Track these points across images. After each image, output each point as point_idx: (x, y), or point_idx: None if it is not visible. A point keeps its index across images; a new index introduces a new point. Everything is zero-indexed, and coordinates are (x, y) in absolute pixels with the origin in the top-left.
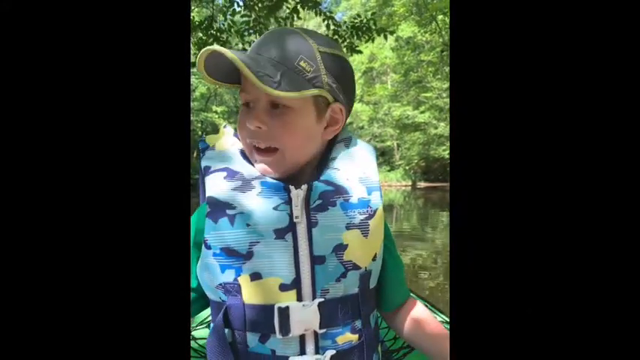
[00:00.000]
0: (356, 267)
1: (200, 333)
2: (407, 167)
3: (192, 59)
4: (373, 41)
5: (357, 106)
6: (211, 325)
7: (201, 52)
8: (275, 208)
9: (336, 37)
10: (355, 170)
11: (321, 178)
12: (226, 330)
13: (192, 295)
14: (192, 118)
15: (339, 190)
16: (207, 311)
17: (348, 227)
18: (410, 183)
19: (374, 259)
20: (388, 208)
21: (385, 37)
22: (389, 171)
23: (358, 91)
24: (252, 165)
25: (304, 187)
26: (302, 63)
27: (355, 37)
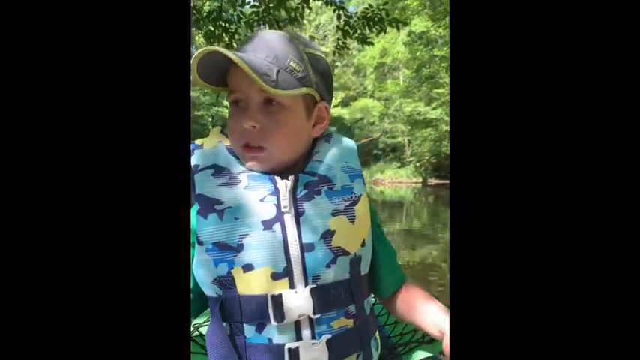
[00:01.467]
0: (345, 252)
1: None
2: (418, 164)
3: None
4: (385, 32)
5: (367, 101)
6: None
7: (197, 52)
8: (262, 200)
9: (347, 28)
10: (337, 161)
11: (305, 170)
12: (224, 324)
13: (192, 295)
14: (202, 112)
15: (322, 180)
16: None
17: (334, 214)
18: (420, 180)
19: (363, 244)
20: (398, 205)
21: (397, 29)
22: (399, 168)
23: (370, 87)
24: (239, 161)
25: (291, 178)
26: (292, 63)
27: (367, 28)
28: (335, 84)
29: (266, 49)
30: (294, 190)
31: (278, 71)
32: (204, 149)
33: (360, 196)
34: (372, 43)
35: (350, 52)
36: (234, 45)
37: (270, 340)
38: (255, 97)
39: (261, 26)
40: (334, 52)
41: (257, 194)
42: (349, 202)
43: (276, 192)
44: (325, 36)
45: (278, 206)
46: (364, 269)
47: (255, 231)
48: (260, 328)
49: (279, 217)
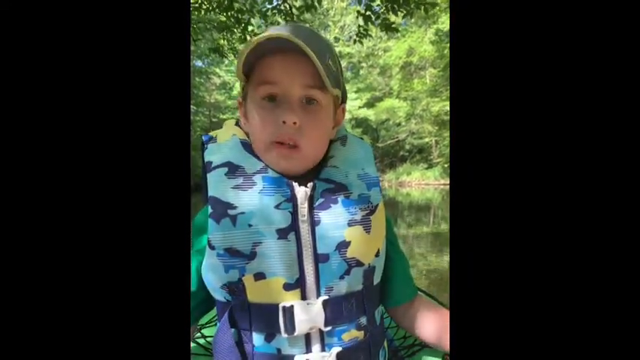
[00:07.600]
0: (359, 264)
1: (209, 331)
2: (445, 165)
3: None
4: (412, 16)
5: (393, 102)
6: (218, 324)
7: (259, 37)
8: (277, 207)
9: (369, 13)
10: (354, 167)
11: (321, 176)
12: (232, 330)
13: (196, 299)
14: (227, 116)
15: (339, 188)
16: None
17: (350, 224)
18: (448, 181)
19: (377, 254)
20: (425, 207)
21: (426, 11)
22: (427, 169)
23: (396, 87)
24: (257, 158)
25: (310, 185)
26: (330, 61)
27: (390, 12)
28: (360, 85)
29: (311, 42)
30: (310, 199)
31: (325, 66)
32: (218, 143)
33: (377, 205)
34: (396, 30)
35: (375, 50)
36: (248, 37)
37: (279, 350)
38: (297, 92)
39: (276, 15)
40: (355, 41)
41: (272, 200)
42: (366, 212)
43: (292, 199)
44: (350, 37)
45: (294, 214)
46: (377, 279)
47: (269, 240)
48: (269, 337)
49: (294, 227)
